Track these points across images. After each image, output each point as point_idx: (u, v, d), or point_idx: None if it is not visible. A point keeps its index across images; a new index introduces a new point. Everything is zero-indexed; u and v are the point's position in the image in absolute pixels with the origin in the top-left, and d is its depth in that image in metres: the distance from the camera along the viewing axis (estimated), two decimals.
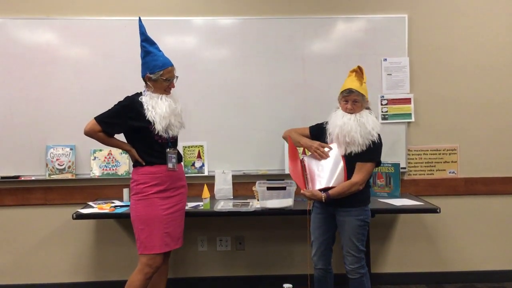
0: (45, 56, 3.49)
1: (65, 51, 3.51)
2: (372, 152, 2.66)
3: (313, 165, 2.77)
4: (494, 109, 3.68)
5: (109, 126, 2.64)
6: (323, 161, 2.73)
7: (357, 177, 2.65)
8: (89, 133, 2.65)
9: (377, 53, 3.60)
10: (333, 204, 2.71)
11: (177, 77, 2.73)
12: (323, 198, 2.64)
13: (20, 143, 3.49)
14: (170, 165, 2.70)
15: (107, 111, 2.65)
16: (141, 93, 2.71)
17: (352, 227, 2.69)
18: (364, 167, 2.66)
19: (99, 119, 2.63)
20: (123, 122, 2.64)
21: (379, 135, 2.71)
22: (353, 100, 2.68)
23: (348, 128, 2.63)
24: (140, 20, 2.73)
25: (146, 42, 2.69)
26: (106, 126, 2.63)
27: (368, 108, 2.76)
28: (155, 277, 2.76)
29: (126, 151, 2.74)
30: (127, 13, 3.48)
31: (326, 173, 2.71)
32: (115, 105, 2.66)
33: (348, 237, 2.71)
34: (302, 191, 2.70)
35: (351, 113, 2.68)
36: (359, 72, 2.73)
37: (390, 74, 3.62)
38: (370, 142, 2.65)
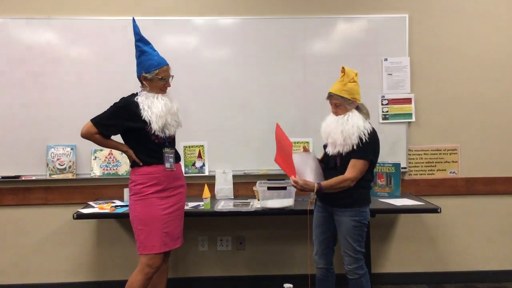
0: (46, 56, 3.49)
1: (66, 51, 3.51)
2: (361, 150, 2.65)
3: (299, 163, 2.77)
4: (495, 109, 3.68)
5: (106, 128, 2.64)
6: (306, 162, 2.80)
7: (349, 173, 2.64)
8: (85, 136, 2.65)
9: (377, 53, 3.60)
10: (331, 203, 2.73)
11: (172, 76, 2.73)
12: (315, 188, 2.64)
13: (20, 142, 3.50)
14: (167, 165, 2.69)
15: (103, 113, 2.65)
16: (136, 93, 2.70)
17: (348, 227, 2.69)
18: (356, 164, 2.65)
19: (95, 121, 2.63)
20: (119, 123, 2.63)
21: (370, 133, 2.67)
22: (334, 104, 2.73)
23: (328, 129, 2.73)
24: (134, 20, 2.73)
25: (141, 42, 2.69)
26: (102, 128, 2.63)
27: (357, 108, 2.74)
28: (155, 276, 2.76)
29: (123, 152, 2.73)
30: (128, 13, 3.46)
31: (310, 172, 2.77)
32: (110, 107, 2.66)
33: (345, 237, 2.71)
34: (294, 179, 2.65)
35: (337, 115, 2.74)
36: (343, 72, 2.73)
37: (391, 74, 3.62)
38: (358, 140, 2.64)
